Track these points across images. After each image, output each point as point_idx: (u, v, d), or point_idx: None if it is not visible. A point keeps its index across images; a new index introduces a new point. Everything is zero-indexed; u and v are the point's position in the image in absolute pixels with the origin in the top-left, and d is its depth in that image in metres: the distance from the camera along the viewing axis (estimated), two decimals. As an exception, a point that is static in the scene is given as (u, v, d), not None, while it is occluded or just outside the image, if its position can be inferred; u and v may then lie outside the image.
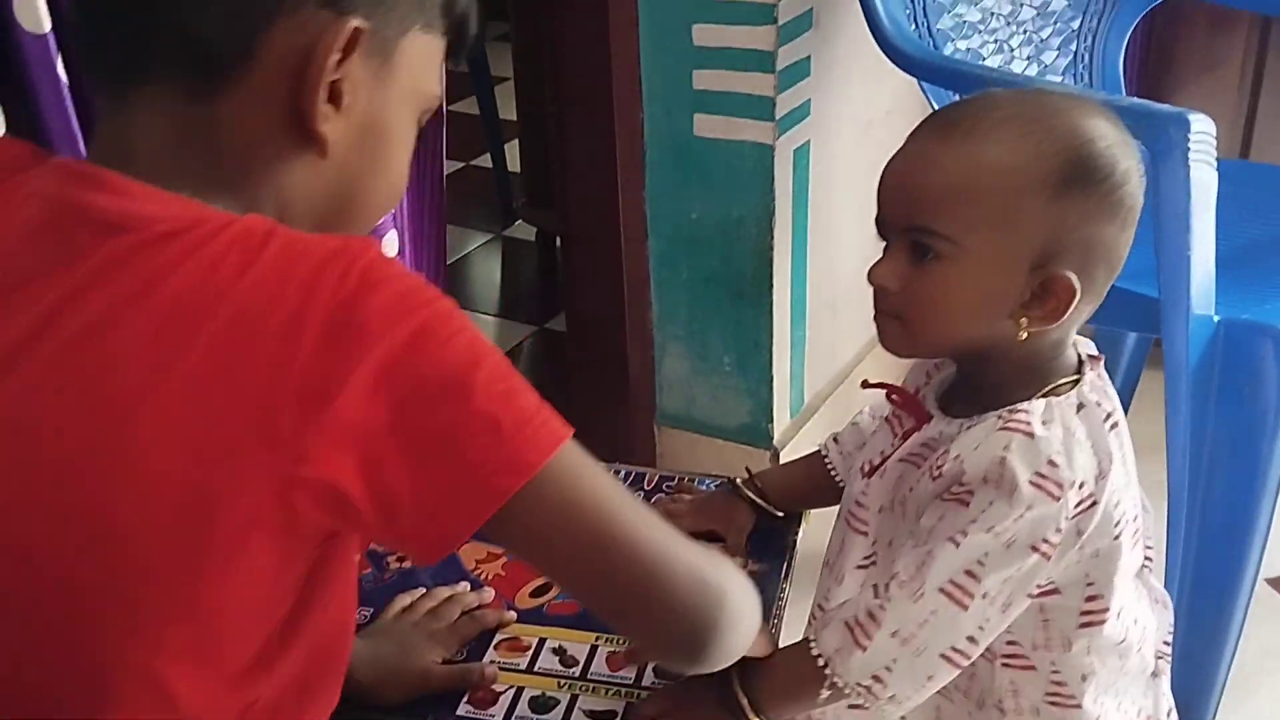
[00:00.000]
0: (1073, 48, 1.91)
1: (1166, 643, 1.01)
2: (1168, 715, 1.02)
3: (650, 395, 2.00)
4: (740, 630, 0.78)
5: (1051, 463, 0.84)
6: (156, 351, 0.62)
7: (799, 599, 1.06)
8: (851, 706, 0.89)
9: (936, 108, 1.51)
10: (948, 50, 1.74)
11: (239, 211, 0.68)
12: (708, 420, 1.98)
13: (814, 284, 1.94)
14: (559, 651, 1.02)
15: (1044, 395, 0.88)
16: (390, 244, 1.36)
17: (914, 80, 1.64)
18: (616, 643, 1.02)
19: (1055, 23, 1.89)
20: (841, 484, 1.10)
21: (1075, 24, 1.91)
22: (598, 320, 1.94)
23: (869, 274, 0.89)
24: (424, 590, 1.09)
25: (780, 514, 1.16)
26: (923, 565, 0.86)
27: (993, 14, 1.81)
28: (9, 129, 1.02)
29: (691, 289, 1.89)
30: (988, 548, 0.85)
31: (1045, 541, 0.85)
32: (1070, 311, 0.86)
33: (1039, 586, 0.88)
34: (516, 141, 2.96)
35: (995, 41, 1.82)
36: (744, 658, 0.86)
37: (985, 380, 0.91)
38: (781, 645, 0.96)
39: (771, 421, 1.93)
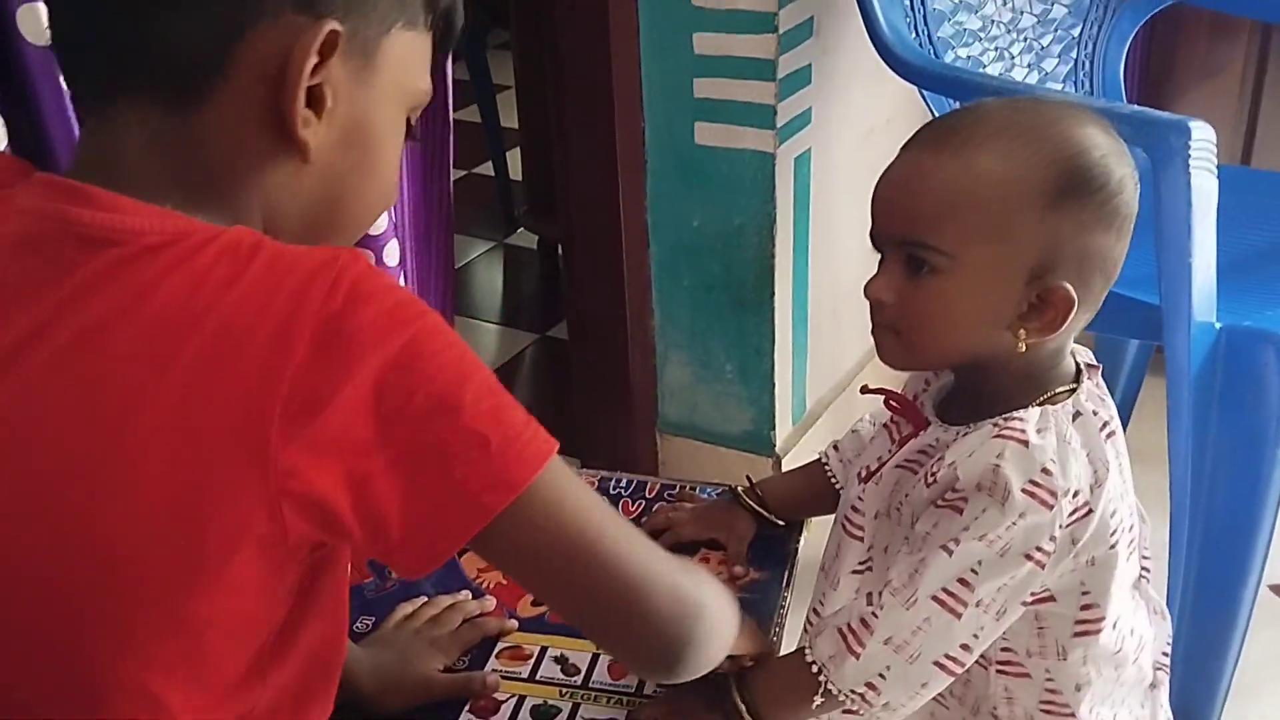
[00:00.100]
0: (1073, 55, 1.91)
1: (1165, 654, 1.01)
2: (1166, 726, 1.02)
3: (652, 403, 2.00)
4: (715, 643, 0.79)
5: (1045, 471, 0.84)
6: (145, 364, 0.62)
7: (800, 607, 1.06)
8: (846, 713, 0.89)
9: (937, 115, 1.51)
10: (948, 58, 1.74)
11: (225, 222, 0.68)
12: (709, 428, 1.98)
13: (815, 291, 1.94)
14: (561, 660, 1.02)
15: (1041, 403, 0.88)
16: (391, 253, 1.36)
17: (914, 88, 1.64)
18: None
19: (1056, 30, 1.89)
20: (842, 491, 1.10)
21: (1076, 31, 1.91)
22: (599, 328, 1.94)
23: (865, 288, 0.89)
24: (426, 599, 1.09)
25: (781, 522, 1.16)
26: (916, 573, 0.86)
27: (993, 22, 1.81)
28: (11, 140, 1.02)
29: (693, 296, 1.89)
30: (981, 556, 0.85)
31: (1039, 550, 0.85)
32: (1069, 322, 0.86)
33: (1033, 594, 0.88)
34: (518, 149, 2.97)
35: (996, 49, 1.82)
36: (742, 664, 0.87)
37: (983, 388, 0.91)
38: (782, 653, 0.96)
39: (773, 429, 1.93)
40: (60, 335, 0.63)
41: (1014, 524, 0.84)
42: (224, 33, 0.66)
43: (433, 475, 0.64)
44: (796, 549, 1.15)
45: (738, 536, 1.14)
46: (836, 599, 0.97)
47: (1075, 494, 0.85)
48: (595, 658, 1.02)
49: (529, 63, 2.70)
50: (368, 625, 1.06)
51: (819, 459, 1.15)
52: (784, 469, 1.88)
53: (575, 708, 0.98)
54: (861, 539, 0.96)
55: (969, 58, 1.78)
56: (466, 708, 0.98)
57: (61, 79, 1.01)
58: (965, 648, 0.87)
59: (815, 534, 1.17)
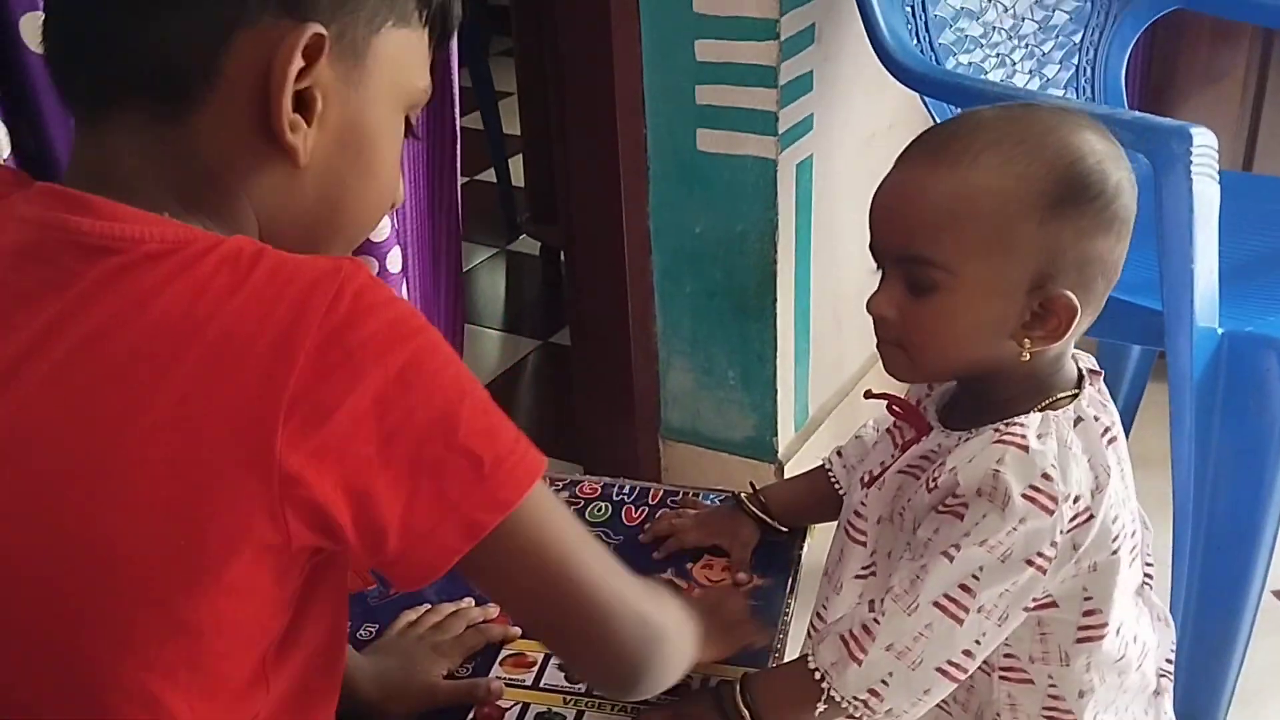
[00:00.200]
0: (1074, 61, 1.91)
1: (1169, 660, 1.01)
2: (1170, 733, 1.01)
3: (655, 409, 2.00)
4: (671, 668, 0.83)
5: (1045, 476, 0.84)
6: (146, 369, 0.62)
7: (804, 613, 1.06)
8: None
9: (939, 121, 1.51)
10: (949, 65, 1.74)
11: (222, 228, 0.68)
12: (712, 434, 1.98)
13: (817, 297, 1.94)
14: (564, 667, 1.02)
15: (1042, 409, 0.88)
16: (394, 260, 1.36)
17: (916, 94, 1.64)
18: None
19: (1057, 36, 1.89)
20: (845, 497, 1.10)
21: (1077, 38, 1.91)
22: (602, 334, 1.94)
23: (867, 304, 0.89)
24: (429, 606, 1.09)
25: (785, 529, 1.16)
26: (917, 579, 0.86)
27: (994, 28, 1.82)
28: (14, 149, 1.02)
29: (695, 303, 1.89)
30: (982, 561, 0.85)
31: (1040, 555, 0.85)
32: (1072, 328, 0.86)
33: (1035, 600, 0.88)
34: (520, 156, 2.97)
35: (997, 56, 1.82)
36: (746, 671, 0.90)
37: (986, 395, 0.91)
38: (785, 660, 0.96)
39: (776, 435, 1.93)
40: (62, 343, 0.63)
41: (1014, 529, 0.84)
42: (210, 39, 0.66)
43: (429, 494, 0.65)
44: (800, 555, 1.15)
45: (741, 543, 1.14)
46: (840, 604, 0.97)
47: (1076, 499, 0.86)
48: (599, 664, 1.02)
49: (531, 69, 2.70)
50: (371, 632, 1.06)
51: (822, 465, 1.15)
52: (786, 475, 1.88)
53: (579, 715, 0.98)
54: (864, 544, 0.96)
55: (970, 64, 1.78)
56: (471, 715, 0.98)
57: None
58: (967, 654, 0.87)
59: (818, 540, 1.17)
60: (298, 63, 0.67)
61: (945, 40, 1.74)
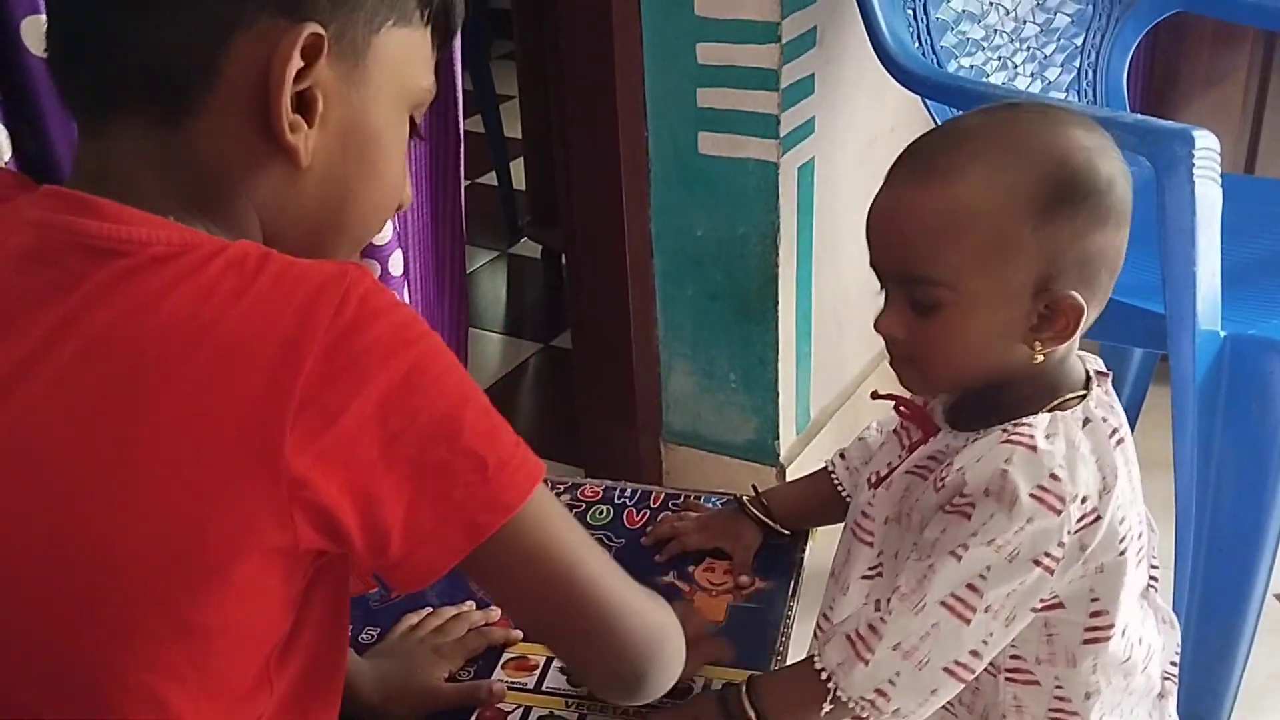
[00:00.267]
0: (1076, 64, 1.91)
1: (1173, 663, 1.01)
2: (1174, 736, 1.01)
3: (656, 412, 2.00)
4: (671, 673, 0.83)
5: (1053, 476, 0.84)
6: (153, 373, 0.62)
7: (805, 617, 1.06)
8: None
9: (940, 124, 1.51)
10: (951, 67, 1.74)
11: (225, 231, 0.68)
12: (714, 437, 1.98)
13: (819, 300, 1.94)
14: (566, 670, 1.02)
15: (1051, 409, 0.88)
16: (396, 263, 1.36)
17: (918, 97, 1.64)
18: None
19: (1059, 39, 1.89)
20: (848, 499, 1.10)
21: (1079, 40, 1.91)
22: (603, 337, 1.94)
23: (875, 325, 0.89)
24: (430, 609, 1.09)
25: (787, 532, 1.16)
26: (925, 578, 0.86)
27: (996, 31, 1.82)
28: (15, 152, 1.02)
29: (697, 306, 1.89)
30: (989, 561, 0.84)
31: (1047, 555, 0.85)
32: (1081, 326, 0.86)
33: (1043, 601, 0.88)
34: (521, 159, 2.97)
35: (999, 58, 1.82)
36: (752, 673, 0.91)
37: (995, 397, 0.91)
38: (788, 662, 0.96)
39: (777, 438, 1.93)
40: (68, 345, 0.63)
41: (1022, 529, 0.84)
42: (208, 40, 0.66)
43: (434, 495, 0.65)
44: (802, 559, 1.15)
45: (744, 546, 1.14)
46: (846, 604, 0.97)
47: (1083, 500, 0.85)
48: (601, 668, 1.02)
49: (532, 72, 2.70)
50: (373, 636, 1.06)
51: (825, 467, 1.15)
52: (788, 478, 1.87)
53: (581, 718, 0.98)
54: (871, 544, 0.96)
55: (972, 67, 1.78)
56: (473, 717, 0.98)
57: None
58: (974, 654, 0.87)
59: (821, 543, 1.17)
60: (296, 62, 0.67)
61: (947, 43, 1.74)
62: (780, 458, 1.94)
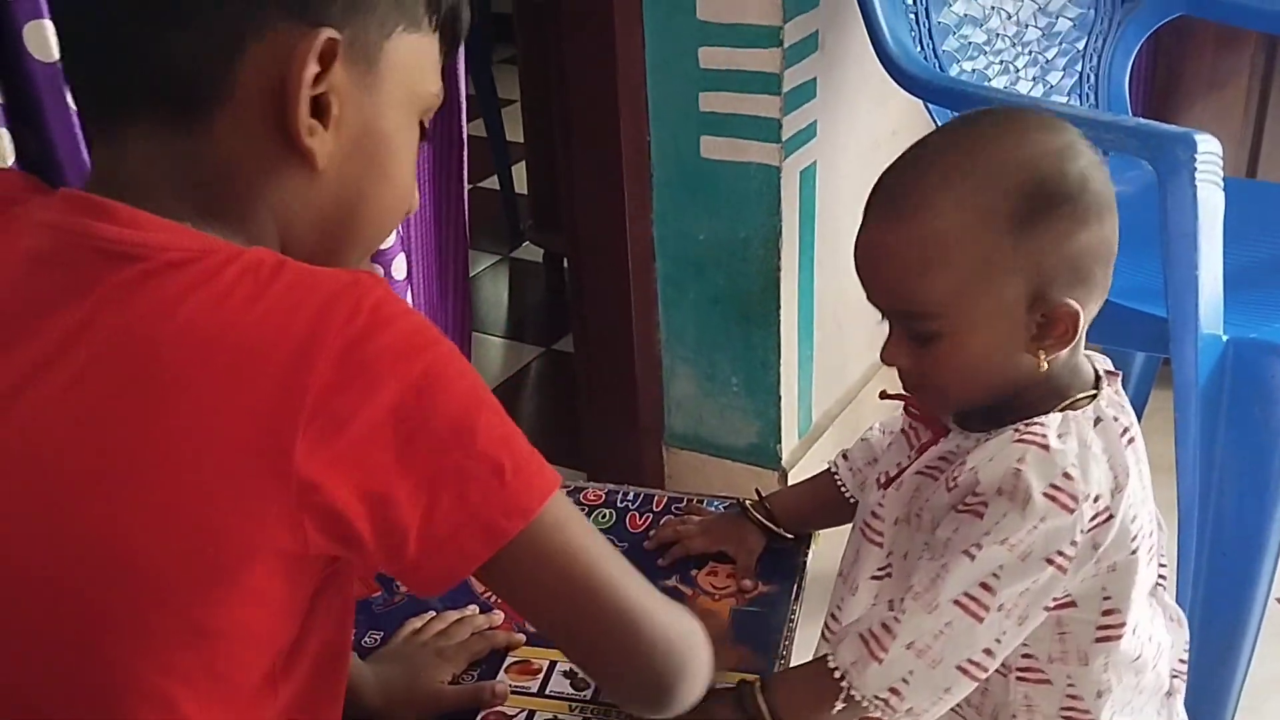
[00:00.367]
0: (1078, 68, 1.91)
1: (1182, 661, 1.01)
2: (1182, 735, 1.01)
3: (658, 416, 2.00)
4: (698, 684, 0.81)
5: (1066, 475, 0.84)
6: (168, 378, 0.63)
7: (808, 621, 1.06)
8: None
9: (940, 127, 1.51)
10: (953, 71, 1.74)
11: (240, 236, 0.69)
12: (716, 441, 1.98)
13: (821, 304, 1.94)
14: (570, 674, 1.02)
15: (1062, 409, 0.89)
16: (399, 267, 1.36)
17: (920, 101, 1.64)
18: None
19: (1060, 43, 1.89)
20: (852, 500, 1.10)
21: (1081, 44, 1.91)
22: (605, 341, 1.94)
23: (881, 357, 0.90)
24: (434, 614, 1.08)
25: (790, 536, 1.16)
26: (938, 578, 0.86)
27: (998, 35, 1.82)
28: (18, 157, 1.02)
29: (699, 310, 1.89)
30: (1002, 560, 0.85)
31: (1060, 554, 0.85)
32: (1081, 328, 0.87)
33: (1055, 599, 0.88)
34: (523, 163, 2.98)
35: (1000, 63, 1.82)
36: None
37: (1006, 401, 0.91)
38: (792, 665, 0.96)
39: (779, 442, 1.93)
40: (83, 348, 0.64)
41: (1035, 528, 0.84)
42: (223, 47, 0.66)
43: (450, 499, 0.65)
44: (805, 562, 1.15)
45: (747, 550, 1.14)
46: (855, 605, 0.97)
47: (1096, 499, 0.86)
48: (604, 671, 1.02)
49: (534, 77, 2.70)
50: (376, 640, 1.06)
51: (828, 469, 1.15)
52: (790, 482, 1.88)
53: (584, 722, 0.98)
54: (881, 545, 0.97)
55: (974, 71, 1.78)
56: (478, 719, 0.98)
57: (69, 97, 1.02)
58: (988, 652, 0.87)
59: (824, 547, 1.17)
60: (313, 67, 0.67)
61: (949, 47, 1.74)
62: (782, 461, 1.94)
